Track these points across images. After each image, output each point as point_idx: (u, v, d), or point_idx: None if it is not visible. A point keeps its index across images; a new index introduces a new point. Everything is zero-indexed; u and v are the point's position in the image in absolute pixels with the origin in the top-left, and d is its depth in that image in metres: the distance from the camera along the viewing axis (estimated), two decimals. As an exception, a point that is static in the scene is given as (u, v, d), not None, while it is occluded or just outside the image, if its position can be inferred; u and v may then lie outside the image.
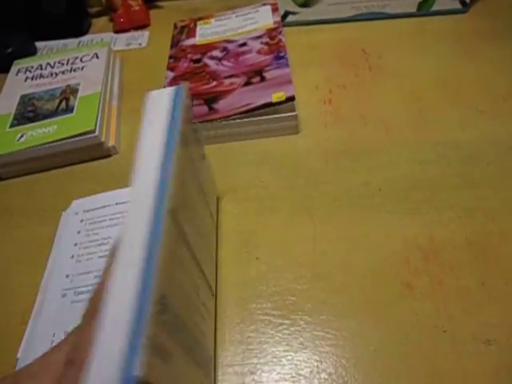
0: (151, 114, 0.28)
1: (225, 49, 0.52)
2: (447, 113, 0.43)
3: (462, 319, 0.30)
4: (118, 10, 0.61)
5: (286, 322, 0.31)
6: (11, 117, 0.46)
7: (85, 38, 0.62)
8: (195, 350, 0.25)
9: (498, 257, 0.33)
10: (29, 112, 0.47)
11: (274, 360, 0.30)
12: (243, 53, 0.50)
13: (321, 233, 0.36)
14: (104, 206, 0.38)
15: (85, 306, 0.21)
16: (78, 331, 0.21)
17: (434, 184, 0.38)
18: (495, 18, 0.53)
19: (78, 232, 0.36)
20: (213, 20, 0.57)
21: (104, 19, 0.65)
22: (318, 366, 0.29)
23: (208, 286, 0.30)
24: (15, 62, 0.54)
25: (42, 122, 0.45)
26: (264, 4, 0.57)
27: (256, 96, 0.44)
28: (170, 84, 0.48)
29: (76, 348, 0.20)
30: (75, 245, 0.35)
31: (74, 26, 0.62)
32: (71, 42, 0.61)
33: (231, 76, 0.48)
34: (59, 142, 0.43)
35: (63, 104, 0.47)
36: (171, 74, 0.50)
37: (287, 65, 0.47)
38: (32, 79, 0.51)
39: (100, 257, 0.34)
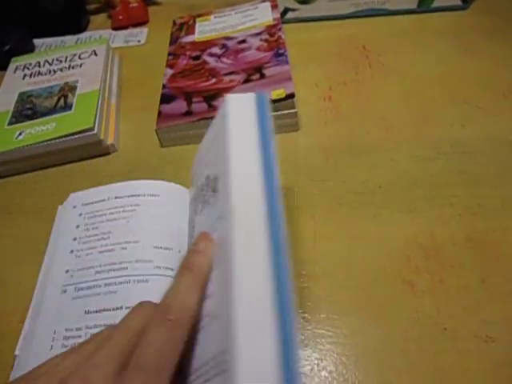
0: (237, 127, 0.26)
1: (224, 46, 0.52)
2: (447, 110, 0.43)
3: (463, 317, 0.30)
4: (117, 7, 0.61)
5: (286, 320, 0.31)
6: (9, 114, 0.46)
7: (83, 35, 0.62)
8: None
9: (498, 254, 0.33)
10: (27, 109, 0.46)
11: (275, 358, 0.30)
12: (243, 50, 0.50)
13: (321, 230, 0.35)
14: (103, 200, 0.36)
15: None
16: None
17: (435, 181, 0.37)
18: (495, 14, 0.53)
19: (77, 226, 0.35)
20: (212, 17, 0.57)
21: (102, 16, 0.65)
22: (318, 364, 0.29)
23: None
24: (13, 59, 0.54)
25: (41, 119, 0.45)
26: (263, 1, 0.57)
27: (256, 93, 0.44)
28: (170, 81, 0.48)
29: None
30: (74, 239, 0.34)
31: (72, 23, 0.62)
32: (69, 39, 0.61)
33: (231, 73, 0.47)
34: (58, 140, 0.43)
35: (61, 101, 0.47)
36: (170, 71, 0.50)
37: (287, 62, 0.47)
38: (30, 76, 0.51)
39: (100, 252, 0.33)
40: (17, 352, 0.30)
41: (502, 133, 0.41)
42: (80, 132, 0.43)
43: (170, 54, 0.52)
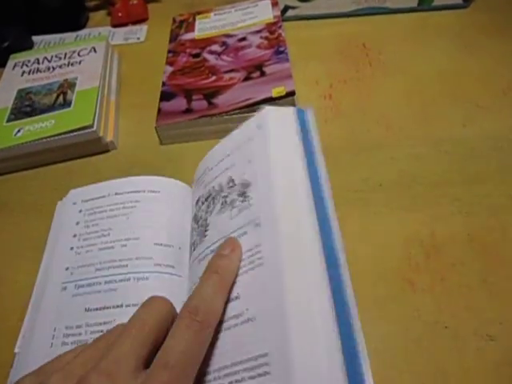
0: (279, 138, 0.29)
1: (224, 43, 0.51)
2: (448, 108, 0.43)
3: (464, 315, 0.30)
4: (116, 4, 0.61)
5: (286, 318, 0.31)
6: (8, 111, 0.46)
7: (82, 32, 0.61)
8: None
9: (499, 253, 0.32)
10: (26, 106, 0.46)
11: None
12: (243, 47, 0.50)
13: (321, 229, 0.35)
14: (103, 196, 0.36)
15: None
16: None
17: (435, 180, 0.37)
18: (496, 12, 0.53)
19: (77, 223, 0.35)
20: (212, 14, 0.57)
21: (102, 13, 0.64)
22: (319, 363, 0.29)
23: None
24: (12, 56, 0.54)
25: (40, 116, 0.44)
26: (264, -2, 0.57)
27: (256, 91, 0.44)
28: (169, 78, 0.48)
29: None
30: (74, 236, 0.34)
31: (72, 19, 0.61)
32: (68, 35, 0.61)
33: (231, 71, 0.47)
34: (57, 137, 0.42)
35: (61, 98, 0.46)
36: (170, 69, 0.49)
37: (287, 59, 0.47)
38: (29, 73, 0.50)
39: (100, 249, 0.32)
40: (16, 350, 0.30)
41: (502, 130, 0.40)
42: (79, 129, 0.42)
43: (169, 52, 0.52)
